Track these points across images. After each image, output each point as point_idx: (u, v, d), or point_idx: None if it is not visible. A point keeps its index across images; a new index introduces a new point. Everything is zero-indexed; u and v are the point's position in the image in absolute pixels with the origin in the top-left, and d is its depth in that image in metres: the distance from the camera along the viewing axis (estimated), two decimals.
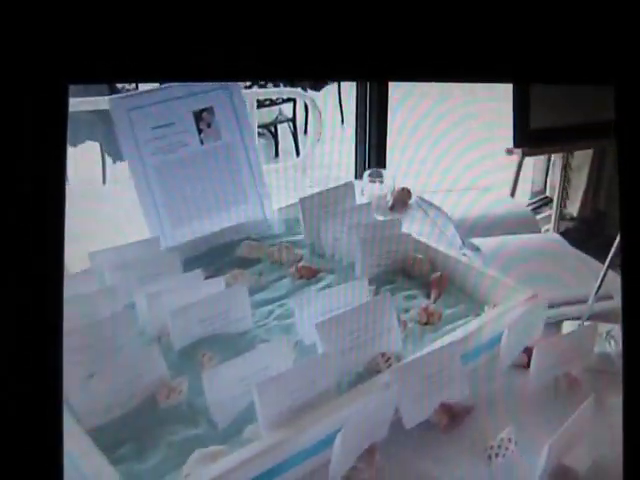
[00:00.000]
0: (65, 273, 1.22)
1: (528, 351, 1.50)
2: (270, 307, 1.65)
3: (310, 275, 1.73)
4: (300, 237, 1.92)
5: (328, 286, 1.71)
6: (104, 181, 3.90)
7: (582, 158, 3.69)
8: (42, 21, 1.17)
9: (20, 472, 1.12)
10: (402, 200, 2.27)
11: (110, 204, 2.12)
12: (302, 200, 1.86)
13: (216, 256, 1.82)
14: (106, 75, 1.23)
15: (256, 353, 1.37)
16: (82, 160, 3.77)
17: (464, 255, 1.94)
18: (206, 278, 1.67)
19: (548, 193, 4.02)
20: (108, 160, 3.91)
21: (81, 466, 1.26)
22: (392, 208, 2.22)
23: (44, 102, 1.15)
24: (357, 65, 1.26)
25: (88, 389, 1.35)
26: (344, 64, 1.26)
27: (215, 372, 1.37)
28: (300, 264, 1.76)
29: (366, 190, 2.27)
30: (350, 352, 1.40)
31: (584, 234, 3.69)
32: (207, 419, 1.39)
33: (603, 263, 1.53)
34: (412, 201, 2.32)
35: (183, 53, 1.23)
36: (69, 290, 1.41)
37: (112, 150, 3.86)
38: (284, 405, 1.27)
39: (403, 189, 2.28)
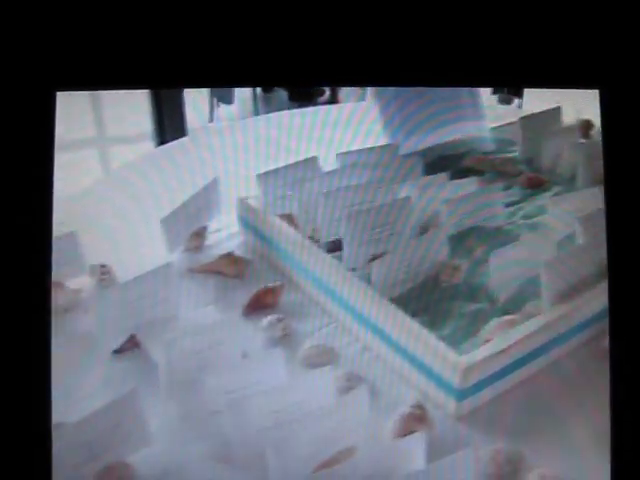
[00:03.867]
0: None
1: None
2: (511, 209, 1.79)
3: (537, 184, 1.89)
4: (512, 154, 2.05)
5: (556, 194, 1.82)
6: (211, 119, 4.02)
7: None
8: (30, 29, 1.22)
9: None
10: (586, 129, 2.38)
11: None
12: (522, 119, 2.01)
13: (445, 165, 1.95)
14: (93, 83, 1.28)
15: (526, 242, 1.53)
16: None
17: None
18: None
19: None
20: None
21: (384, 328, 1.47)
22: None
23: (31, 109, 1.21)
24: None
25: (382, 264, 1.48)
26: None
27: (501, 252, 1.53)
28: (529, 175, 1.91)
29: None
30: (601, 246, 1.55)
31: None
32: (486, 296, 1.55)
33: None
34: (593, 132, 2.41)
35: (169, 61, 1.29)
36: (328, 184, 1.57)
37: (217, 92, 3.97)
38: (562, 284, 1.42)
39: (588, 120, 2.38)
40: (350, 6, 1.26)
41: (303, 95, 4.47)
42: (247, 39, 1.28)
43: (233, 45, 1.27)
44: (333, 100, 3.17)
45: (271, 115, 2.35)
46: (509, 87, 1.66)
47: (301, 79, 1.33)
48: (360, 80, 1.37)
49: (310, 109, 2.50)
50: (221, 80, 1.33)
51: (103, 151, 2.60)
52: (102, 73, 1.23)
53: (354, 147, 1.87)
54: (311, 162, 1.73)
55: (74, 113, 2.26)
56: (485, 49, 1.28)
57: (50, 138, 1.20)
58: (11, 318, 1.18)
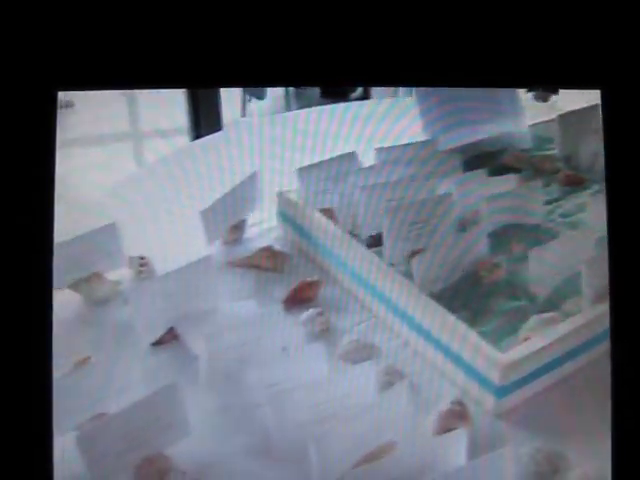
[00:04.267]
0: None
1: None
2: (550, 207, 1.78)
3: (576, 183, 1.88)
4: (550, 152, 2.04)
5: (597, 192, 1.81)
6: (244, 114, 4.03)
7: None
8: (31, 28, 1.22)
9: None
10: None
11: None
12: (561, 116, 2.00)
13: (483, 162, 1.94)
14: (95, 83, 1.27)
15: (565, 239, 1.52)
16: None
17: None
18: None
19: None
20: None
21: (424, 323, 1.47)
22: None
23: (32, 108, 1.20)
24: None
25: (423, 260, 1.48)
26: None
27: (541, 250, 1.53)
28: (567, 173, 1.90)
29: None
30: None
31: None
32: (525, 293, 1.55)
33: None
34: None
35: (171, 60, 1.28)
36: (368, 179, 1.57)
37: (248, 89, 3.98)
38: (602, 283, 1.41)
39: None
40: (384, 7, 1.20)
41: (335, 91, 4.46)
42: (278, 39, 1.28)
43: (241, 44, 1.28)
44: (365, 96, 3.17)
45: (307, 110, 2.31)
46: (510, 87, 1.66)
47: (334, 79, 1.35)
48: (392, 80, 1.39)
49: (346, 104, 2.47)
50: (232, 78, 1.34)
51: (138, 146, 2.61)
52: (104, 73, 1.24)
53: (391, 143, 1.81)
54: (350, 157, 1.73)
55: (109, 108, 2.27)
56: (486, 49, 1.29)
57: (51, 138, 1.19)
58: (12, 320, 1.17)
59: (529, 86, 1.39)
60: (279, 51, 1.25)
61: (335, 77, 1.30)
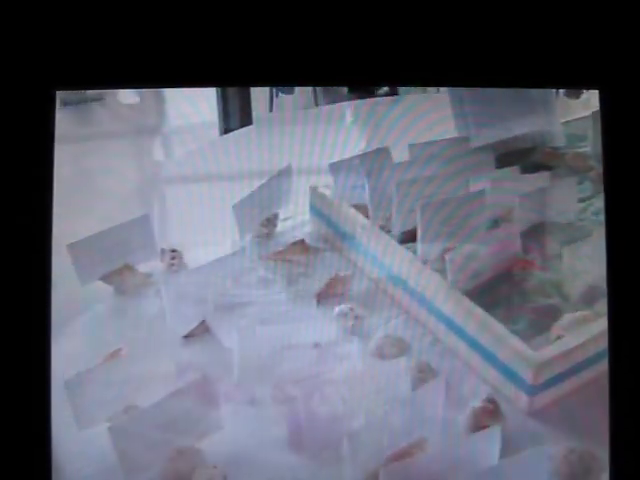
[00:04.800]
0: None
1: None
2: (583, 205, 1.76)
3: None
4: (583, 149, 2.02)
5: None
6: (271, 109, 4.03)
7: None
8: (30, 28, 1.21)
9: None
10: None
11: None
12: (595, 114, 1.97)
13: (515, 159, 1.92)
14: (94, 82, 1.27)
15: (599, 237, 1.50)
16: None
17: None
18: None
19: None
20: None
21: (457, 320, 1.47)
22: None
23: (31, 108, 1.19)
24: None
25: (456, 257, 1.51)
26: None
27: (574, 248, 1.53)
28: (601, 171, 1.87)
29: None
30: None
31: None
32: (558, 291, 1.54)
33: None
34: None
35: (170, 58, 1.26)
36: (400, 175, 1.56)
37: None
38: None
39: None
40: (413, 8, 1.21)
41: (362, 87, 4.45)
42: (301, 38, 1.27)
43: (245, 43, 1.27)
44: (392, 92, 3.17)
45: (335, 105, 2.31)
46: (508, 87, 1.65)
47: (361, 79, 1.36)
48: (417, 80, 1.40)
49: (374, 100, 2.47)
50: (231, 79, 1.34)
51: (168, 139, 2.61)
52: (103, 72, 1.23)
53: (419, 139, 1.80)
54: (382, 152, 1.72)
55: (138, 101, 2.28)
56: (483, 49, 1.28)
57: (50, 138, 1.19)
58: (11, 320, 1.16)
59: (528, 86, 1.39)
60: (306, 52, 1.21)
61: (362, 77, 1.30)
